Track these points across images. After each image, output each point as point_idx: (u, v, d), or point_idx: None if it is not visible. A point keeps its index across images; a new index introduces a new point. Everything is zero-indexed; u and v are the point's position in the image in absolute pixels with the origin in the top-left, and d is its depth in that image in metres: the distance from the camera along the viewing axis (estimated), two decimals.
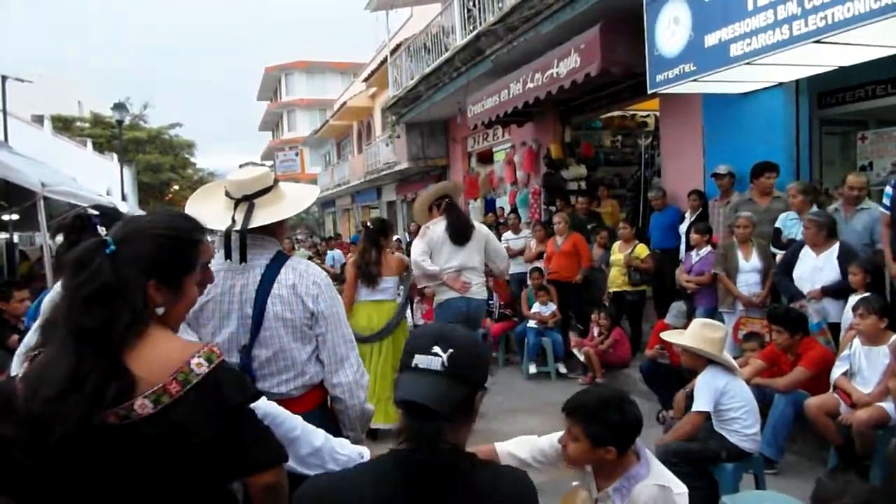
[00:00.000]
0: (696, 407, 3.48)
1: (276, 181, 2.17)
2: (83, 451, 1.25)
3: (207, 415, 1.30)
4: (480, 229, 5.02)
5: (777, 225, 5.56)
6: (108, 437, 1.25)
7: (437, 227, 4.90)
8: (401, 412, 1.36)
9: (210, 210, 2.14)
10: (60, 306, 1.35)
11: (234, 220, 2.05)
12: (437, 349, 1.35)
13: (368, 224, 5.51)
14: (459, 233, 4.81)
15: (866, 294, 4.28)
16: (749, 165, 6.20)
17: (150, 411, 1.26)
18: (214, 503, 1.42)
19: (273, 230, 2.14)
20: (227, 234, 2.07)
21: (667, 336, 3.86)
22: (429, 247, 4.86)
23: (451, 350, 1.35)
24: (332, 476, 1.37)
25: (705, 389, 3.43)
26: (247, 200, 2.08)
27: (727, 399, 3.42)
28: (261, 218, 2.07)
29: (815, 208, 5.26)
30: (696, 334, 3.48)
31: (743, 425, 3.43)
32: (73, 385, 1.24)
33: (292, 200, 2.18)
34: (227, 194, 2.12)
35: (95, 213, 2.67)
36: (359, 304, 5.09)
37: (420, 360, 1.35)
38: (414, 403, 1.30)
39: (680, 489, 2.06)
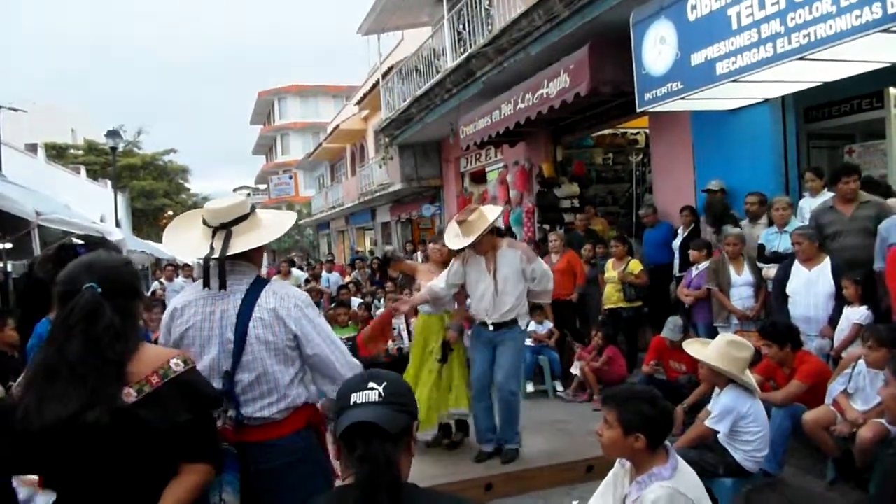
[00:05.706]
0: (712, 424, 3.43)
1: (253, 208, 2.21)
2: (89, 433, 1.52)
3: (185, 402, 1.63)
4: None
5: (760, 241, 5.61)
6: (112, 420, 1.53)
7: None
8: (347, 446, 1.39)
9: (188, 240, 2.19)
10: None
11: (212, 248, 2.07)
12: (372, 384, 1.43)
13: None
14: None
15: (874, 324, 4.15)
16: (739, 180, 6.24)
17: (135, 399, 1.57)
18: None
19: (251, 256, 2.17)
20: (206, 262, 2.08)
21: (690, 350, 3.70)
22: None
23: (384, 383, 1.44)
24: None
25: (726, 412, 3.37)
26: (224, 228, 2.11)
27: (746, 423, 3.37)
28: (238, 245, 2.09)
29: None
30: (721, 352, 3.40)
31: (755, 448, 3.41)
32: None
33: (269, 227, 2.21)
34: (205, 223, 2.14)
35: (80, 242, 2.72)
36: None
37: (357, 397, 1.42)
38: (364, 426, 1.35)
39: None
